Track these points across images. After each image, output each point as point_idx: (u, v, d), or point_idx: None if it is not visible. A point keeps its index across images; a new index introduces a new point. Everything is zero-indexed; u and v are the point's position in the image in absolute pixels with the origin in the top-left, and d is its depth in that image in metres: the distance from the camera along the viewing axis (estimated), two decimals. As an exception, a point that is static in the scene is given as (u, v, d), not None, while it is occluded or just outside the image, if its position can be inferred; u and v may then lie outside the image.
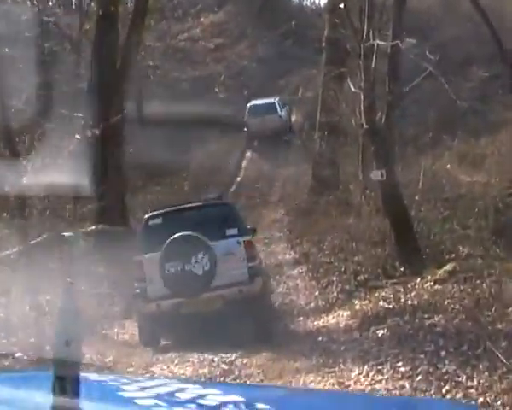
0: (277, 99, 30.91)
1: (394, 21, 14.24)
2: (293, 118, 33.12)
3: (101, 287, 14.49)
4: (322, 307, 13.86)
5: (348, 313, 11.69)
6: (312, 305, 14.17)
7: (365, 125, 14.02)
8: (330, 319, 12.25)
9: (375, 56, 14.07)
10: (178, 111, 32.29)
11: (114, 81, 17.63)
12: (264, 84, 35.25)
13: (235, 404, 2.60)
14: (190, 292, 10.49)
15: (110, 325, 13.34)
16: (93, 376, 3.14)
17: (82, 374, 2.24)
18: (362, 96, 14.08)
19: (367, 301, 11.83)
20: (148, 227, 11.18)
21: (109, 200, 17.32)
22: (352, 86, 14.79)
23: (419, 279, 12.12)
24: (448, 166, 21.47)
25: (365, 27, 13.94)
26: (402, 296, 11.13)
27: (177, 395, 2.73)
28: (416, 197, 16.29)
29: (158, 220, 11.12)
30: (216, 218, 11.19)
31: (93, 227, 16.35)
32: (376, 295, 12.18)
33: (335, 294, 14.26)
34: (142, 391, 2.77)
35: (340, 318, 11.93)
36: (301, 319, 13.34)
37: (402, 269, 13.52)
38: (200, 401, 2.59)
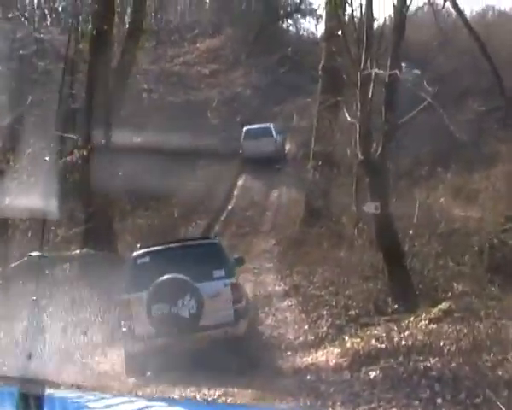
0: (272, 125, 31.53)
1: (392, 51, 13.89)
2: (288, 146, 32.96)
3: (83, 312, 14.04)
4: (311, 342, 13.38)
5: (338, 350, 11.21)
6: (301, 339, 13.69)
7: (360, 156, 13.65)
8: (319, 356, 11.75)
9: (372, 85, 13.75)
10: (169, 136, 32.05)
11: (106, 101, 17.24)
12: (258, 112, 35.11)
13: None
14: (176, 333, 10.63)
15: (90, 353, 12.87)
16: (58, 393, 3.15)
17: (47, 391, 2.29)
18: (357, 127, 13.74)
19: (358, 339, 11.34)
20: (136, 266, 11.23)
21: (96, 223, 16.87)
22: (347, 116, 14.43)
23: (413, 317, 11.67)
24: (442, 199, 21.16)
25: (363, 56, 13.64)
26: (395, 335, 10.64)
27: None
28: (410, 231, 15.91)
29: (146, 259, 11.19)
30: (203, 258, 11.18)
31: (77, 251, 15.92)
32: (368, 332, 11.71)
33: (325, 328, 13.79)
34: (108, 409, 2.82)
35: (329, 355, 11.44)
36: (289, 353, 12.85)
37: (395, 306, 13.12)
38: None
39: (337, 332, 13.32)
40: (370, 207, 13.49)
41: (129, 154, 29.07)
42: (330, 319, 14.12)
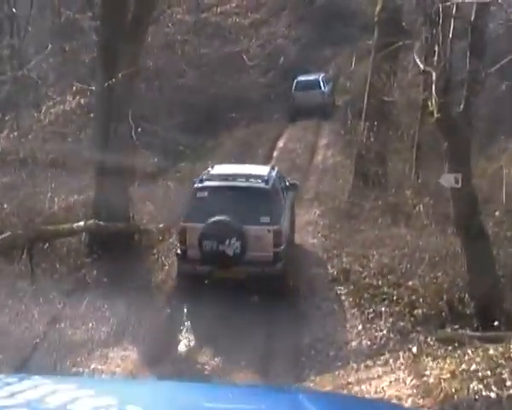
0: (322, 75, 32.12)
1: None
2: (337, 99, 32.09)
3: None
4: (367, 349, 10.59)
5: (409, 377, 8.22)
6: (354, 344, 10.88)
7: (436, 114, 10.58)
8: (380, 375, 8.90)
9: (452, 23, 10.68)
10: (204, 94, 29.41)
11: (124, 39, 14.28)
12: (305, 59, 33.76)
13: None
14: (221, 266, 11.96)
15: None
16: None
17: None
18: (433, 76, 10.69)
19: (440, 359, 8.34)
20: (196, 198, 12.52)
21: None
22: (419, 63, 11.34)
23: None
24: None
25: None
26: (495, 359, 7.58)
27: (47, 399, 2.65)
28: (497, 213, 12.82)
29: (204, 193, 12.46)
30: (255, 203, 12.29)
31: (81, 223, 13.31)
32: (450, 350, 8.75)
33: (385, 332, 10.95)
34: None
35: (395, 379, 8.55)
36: (339, 364, 10.09)
37: (477, 311, 10.13)
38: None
39: (402, 340, 10.48)
40: (449, 180, 10.51)
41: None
42: (391, 319, 11.27)
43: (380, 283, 12.46)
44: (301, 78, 31.95)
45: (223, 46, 33.22)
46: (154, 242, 15.22)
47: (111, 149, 14.05)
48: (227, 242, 11.79)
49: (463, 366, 7.23)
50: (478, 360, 7.25)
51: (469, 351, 7.84)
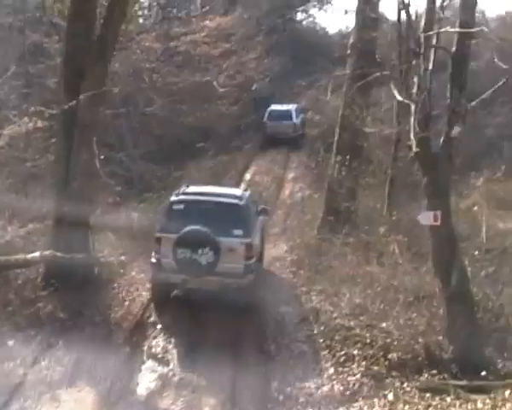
0: (294, 107, 32.87)
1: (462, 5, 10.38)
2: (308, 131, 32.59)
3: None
4: (339, 395, 9.95)
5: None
6: (325, 389, 10.24)
7: (415, 148, 10.09)
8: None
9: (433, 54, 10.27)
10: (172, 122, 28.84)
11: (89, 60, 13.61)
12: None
13: None
14: (194, 275, 12.33)
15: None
16: None
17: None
18: (412, 109, 10.23)
19: (413, 405, 7.73)
20: (171, 210, 13.02)
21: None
22: (397, 95, 10.87)
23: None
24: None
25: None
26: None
27: None
28: (476, 252, 12.33)
29: (180, 206, 12.96)
30: (228, 216, 12.79)
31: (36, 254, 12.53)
32: (429, 398, 8.16)
33: (358, 376, 10.33)
34: None
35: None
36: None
37: (456, 356, 9.57)
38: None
39: (376, 385, 9.87)
40: (428, 218, 9.98)
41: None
42: (364, 363, 10.64)
43: (352, 324, 11.86)
44: (274, 107, 32.77)
45: (192, 75, 32.65)
46: (115, 275, 14.47)
47: (72, 175, 13.32)
48: (200, 251, 12.26)
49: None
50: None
51: (457, 403, 7.22)
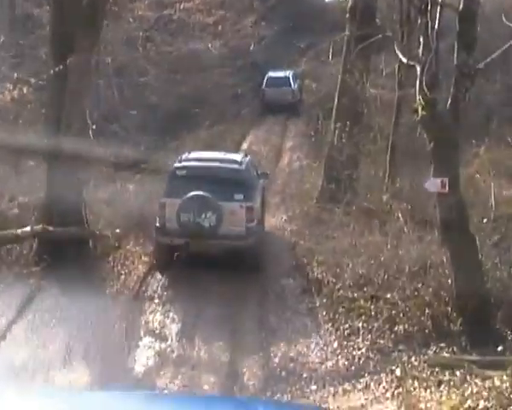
0: (291, 72, 32.41)
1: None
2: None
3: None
4: (344, 370, 9.57)
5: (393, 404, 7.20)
6: (330, 365, 9.85)
7: (421, 111, 9.61)
8: (364, 405, 7.89)
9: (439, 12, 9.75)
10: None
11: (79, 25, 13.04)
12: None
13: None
14: (197, 237, 12.58)
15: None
16: None
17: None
18: (418, 71, 9.74)
19: (433, 388, 7.31)
20: (175, 176, 13.26)
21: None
22: (401, 57, 10.36)
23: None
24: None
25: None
26: (505, 394, 6.43)
27: None
28: (485, 220, 11.88)
29: (183, 172, 13.23)
30: (229, 181, 13.05)
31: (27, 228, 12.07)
32: (438, 373, 7.75)
33: (364, 350, 9.94)
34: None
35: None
36: (314, 388, 9.08)
37: (466, 328, 9.18)
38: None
39: (382, 359, 9.47)
40: (436, 185, 9.52)
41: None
42: (369, 337, 10.25)
43: (355, 295, 11.45)
44: (272, 74, 32.28)
45: (186, 44, 32.07)
46: (110, 249, 14.03)
47: (63, 145, 12.83)
48: (203, 215, 12.60)
49: (469, 402, 6.16)
50: (485, 394, 6.21)
51: (470, 379, 6.79)
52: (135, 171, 21.83)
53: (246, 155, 15.51)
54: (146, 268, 13.55)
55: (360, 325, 10.58)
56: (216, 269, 12.15)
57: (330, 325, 10.99)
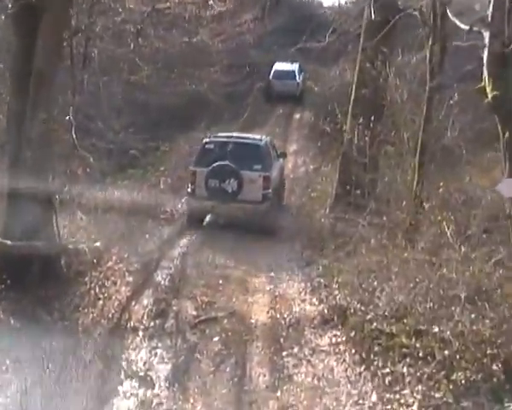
0: (297, 66, 33.83)
1: None
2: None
3: None
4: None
5: None
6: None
7: (492, 93, 7.21)
8: None
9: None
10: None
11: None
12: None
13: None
14: (222, 201, 14.78)
15: None
16: None
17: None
18: (486, 40, 7.36)
19: None
20: (205, 149, 15.62)
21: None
22: (458, 23, 7.95)
23: None
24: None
25: None
26: None
27: None
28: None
29: (211, 145, 15.61)
30: (250, 154, 15.31)
31: None
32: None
33: (415, 408, 7.48)
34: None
35: None
36: None
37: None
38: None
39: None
40: (511, 187, 7.11)
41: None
42: (420, 387, 7.80)
43: (393, 329, 9.01)
44: (278, 66, 34.02)
45: (180, 40, 29.74)
46: (87, 266, 11.58)
47: (26, 141, 10.41)
48: (227, 181, 14.71)
49: None
50: None
51: None
52: (123, 176, 19.55)
53: (266, 136, 17.61)
54: (129, 290, 11.18)
55: (405, 370, 8.13)
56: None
57: (364, 368, 8.56)
